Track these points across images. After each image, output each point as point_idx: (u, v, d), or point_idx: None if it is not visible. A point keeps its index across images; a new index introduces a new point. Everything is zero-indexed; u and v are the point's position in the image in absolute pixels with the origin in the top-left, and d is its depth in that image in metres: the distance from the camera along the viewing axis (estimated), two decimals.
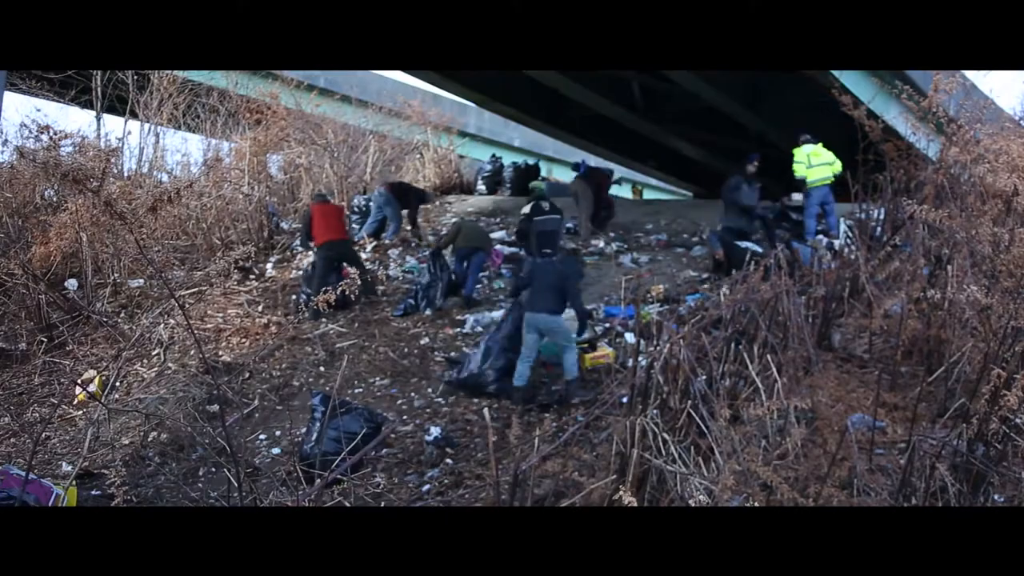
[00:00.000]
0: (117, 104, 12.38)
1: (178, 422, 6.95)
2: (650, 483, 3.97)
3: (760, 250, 8.39)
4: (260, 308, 9.29)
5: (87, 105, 12.51)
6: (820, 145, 9.92)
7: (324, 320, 8.77)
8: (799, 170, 9.88)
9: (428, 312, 8.79)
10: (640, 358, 4.64)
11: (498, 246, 10.42)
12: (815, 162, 9.80)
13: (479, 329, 8.31)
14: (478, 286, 9.27)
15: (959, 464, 3.49)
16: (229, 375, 7.89)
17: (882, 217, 7.07)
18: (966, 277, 5.26)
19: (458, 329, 8.47)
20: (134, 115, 12.10)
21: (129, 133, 11.77)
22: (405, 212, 11.31)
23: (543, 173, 15.91)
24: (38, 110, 11.35)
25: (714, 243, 9.05)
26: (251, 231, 11.12)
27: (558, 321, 6.92)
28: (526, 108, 14.53)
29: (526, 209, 9.97)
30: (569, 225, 11.20)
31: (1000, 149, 7.59)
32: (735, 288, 5.42)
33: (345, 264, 9.22)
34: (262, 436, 6.82)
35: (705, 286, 8.50)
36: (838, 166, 9.68)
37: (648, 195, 20.09)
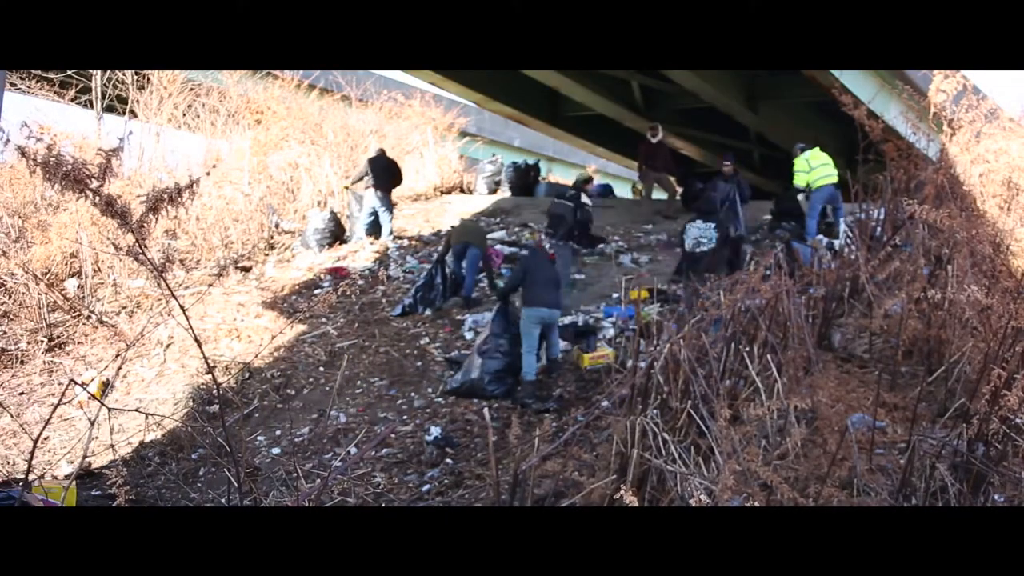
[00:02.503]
0: (117, 104, 12.38)
1: (178, 422, 6.96)
2: (650, 483, 3.97)
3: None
4: (259, 308, 9.29)
5: (87, 105, 12.51)
6: (817, 148, 9.91)
7: (325, 320, 8.76)
8: (800, 179, 9.82)
9: (427, 312, 8.79)
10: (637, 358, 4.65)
11: (498, 246, 10.41)
12: (815, 164, 9.78)
13: (479, 329, 8.31)
14: (479, 286, 9.26)
15: (959, 464, 3.49)
16: (229, 375, 7.89)
17: (882, 217, 7.06)
18: (966, 277, 5.26)
19: (455, 332, 8.47)
20: (134, 115, 12.10)
21: (131, 133, 11.78)
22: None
23: (543, 173, 15.90)
24: (38, 110, 11.31)
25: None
26: (251, 231, 11.13)
27: (558, 315, 7.16)
28: (526, 108, 14.52)
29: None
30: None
31: (1000, 149, 7.60)
32: (735, 288, 5.41)
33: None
34: (260, 437, 6.82)
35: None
36: (836, 172, 9.71)
37: None
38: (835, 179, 9.67)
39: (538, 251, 7.47)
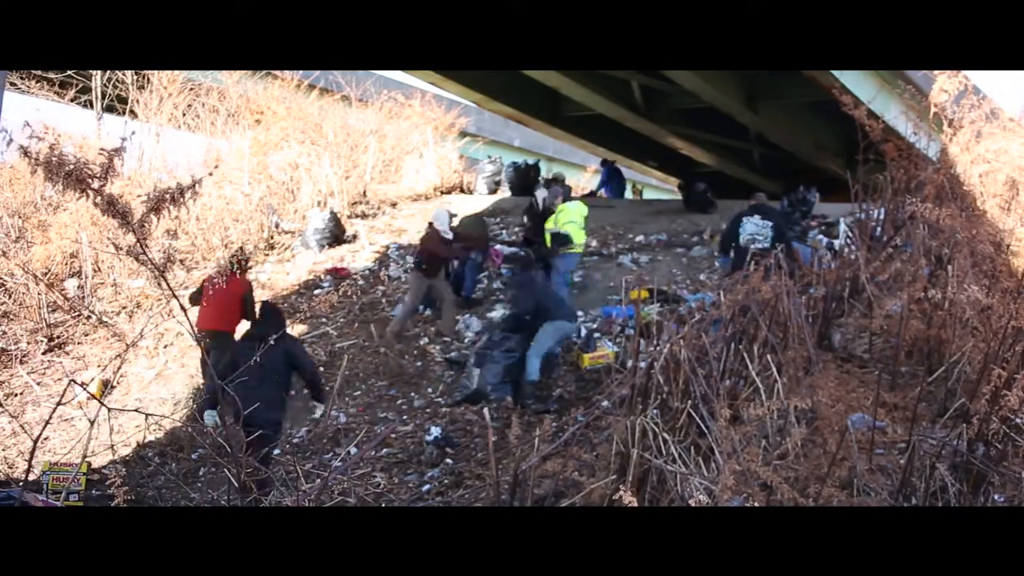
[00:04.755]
0: (117, 104, 12.38)
1: (178, 422, 6.96)
2: (650, 483, 3.97)
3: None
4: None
5: (87, 105, 12.51)
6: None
7: (325, 320, 8.76)
8: (580, 237, 8.39)
9: (428, 312, 8.78)
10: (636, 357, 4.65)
11: (498, 246, 10.40)
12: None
13: (478, 330, 8.30)
14: (479, 286, 9.25)
15: (959, 464, 3.49)
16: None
17: (882, 217, 7.06)
18: (966, 277, 5.25)
19: (455, 332, 8.46)
20: (134, 115, 12.10)
21: (133, 133, 11.77)
22: None
23: (543, 173, 15.90)
24: (38, 110, 11.30)
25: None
26: (251, 231, 11.12)
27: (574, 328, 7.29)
28: (526, 108, 14.51)
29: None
30: None
31: (1000, 149, 7.60)
32: (735, 288, 5.41)
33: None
34: None
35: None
36: None
37: (648, 195, 20.09)
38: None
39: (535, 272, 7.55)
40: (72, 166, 2.38)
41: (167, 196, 2.61)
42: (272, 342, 4.31)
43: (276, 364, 5.24)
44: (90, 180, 2.42)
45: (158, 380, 8.05)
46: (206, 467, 6.33)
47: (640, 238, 11.09)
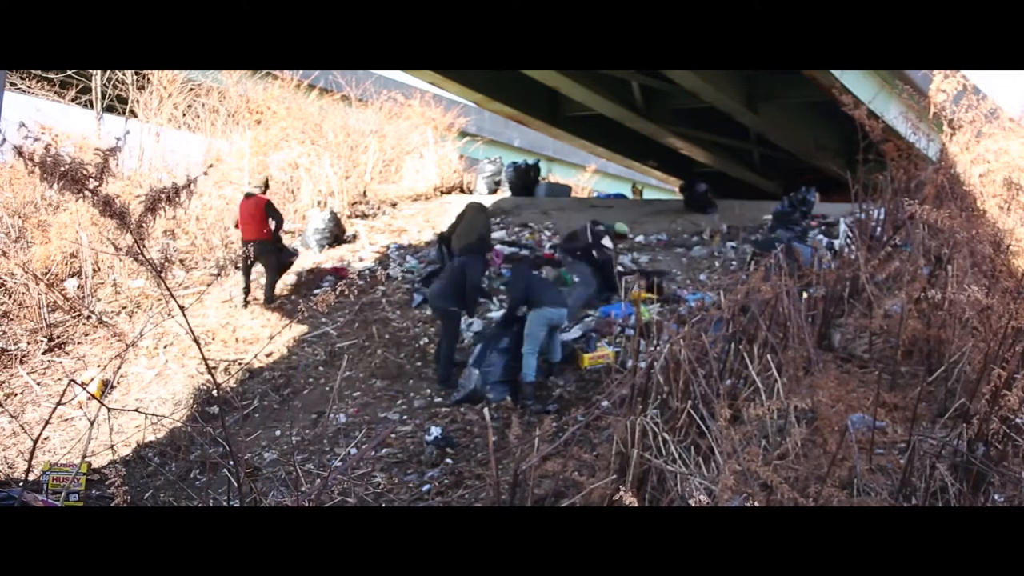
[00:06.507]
0: (117, 104, 12.38)
1: (177, 422, 6.96)
2: (650, 483, 3.97)
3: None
4: (258, 308, 9.28)
5: (87, 105, 12.51)
6: None
7: (325, 320, 8.75)
8: None
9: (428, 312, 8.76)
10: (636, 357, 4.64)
11: (498, 246, 10.39)
12: None
13: (477, 330, 8.29)
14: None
15: (959, 464, 3.49)
16: (228, 376, 7.89)
17: (882, 217, 7.06)
18: (966, 277, 5.25)
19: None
20: (134, 115, 12.10)
21: (128, 133, 11.77)
22: None
23: (543, 173, 15.89)
24: (38, 110, 11.31)
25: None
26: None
27: (565, 314, 7.24)
28: (526, 108, 14.51)
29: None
30: None
31: (1000, 149, 7.59)
32: (735, 288, 5.41)
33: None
34: (261, 438, 6.82)
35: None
36: None
37: (648, 195, 20.08)
38: None
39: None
40: (67, 167, 2.38)
41: (162, 196, 2.60)
42: None
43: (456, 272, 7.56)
44: (86, 180, 2.42)
45: (158, 380, 8.04)
46: (202, 472, 6.29)
47: (640, 238, 11.09)
